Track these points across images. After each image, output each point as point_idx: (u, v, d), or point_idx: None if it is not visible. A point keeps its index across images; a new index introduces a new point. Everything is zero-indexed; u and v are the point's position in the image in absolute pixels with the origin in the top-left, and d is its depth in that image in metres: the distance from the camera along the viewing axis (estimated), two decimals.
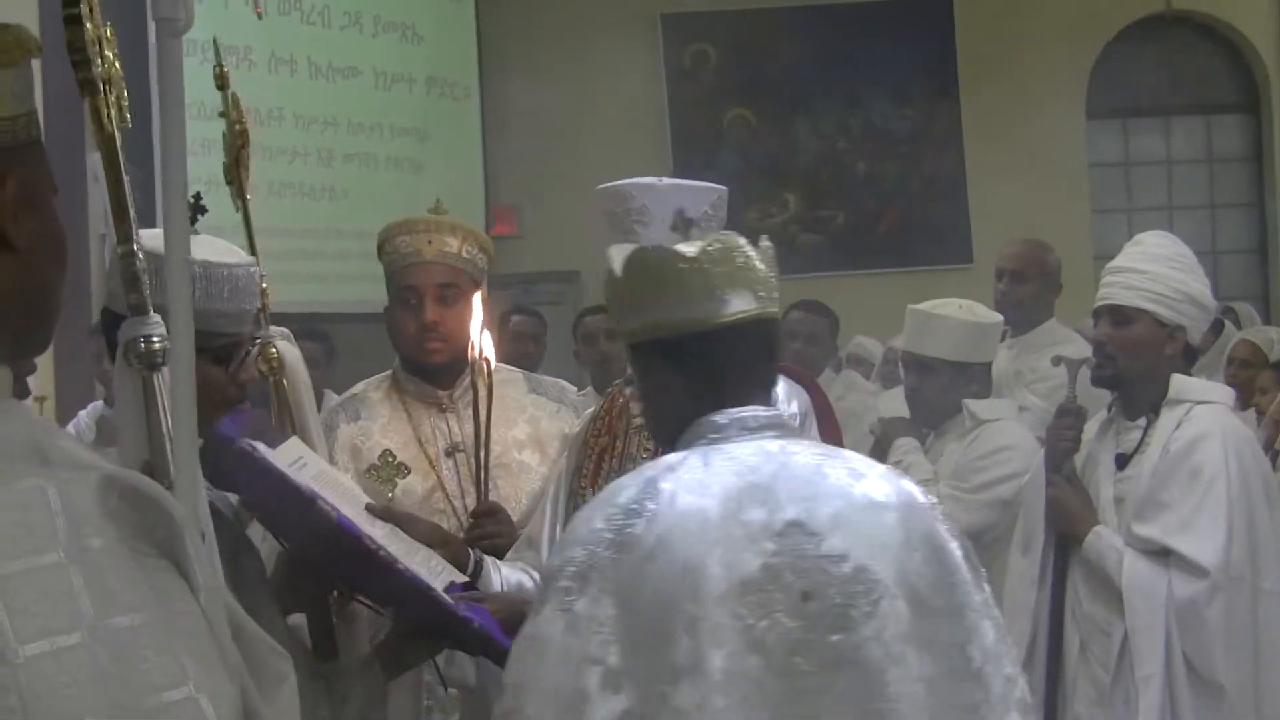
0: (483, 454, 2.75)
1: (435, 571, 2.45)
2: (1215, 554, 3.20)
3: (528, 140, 8.92)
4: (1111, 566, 3.30)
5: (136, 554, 1.18)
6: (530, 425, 3.17)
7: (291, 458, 2.35)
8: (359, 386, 3.30)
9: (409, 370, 3.21)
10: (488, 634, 2.37)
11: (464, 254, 3.14)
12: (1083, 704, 3.35)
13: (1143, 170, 10.02)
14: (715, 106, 9.62)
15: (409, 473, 3.11)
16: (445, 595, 2.38)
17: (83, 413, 5.46)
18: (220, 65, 2.86)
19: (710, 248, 2.06)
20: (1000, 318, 4.49)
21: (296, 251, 7.52)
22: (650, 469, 2.01)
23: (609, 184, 2.79)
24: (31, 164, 1.31)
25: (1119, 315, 3.38)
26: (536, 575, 2.68)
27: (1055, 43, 9.43)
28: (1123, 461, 3.41)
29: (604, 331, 5.35)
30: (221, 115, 2.88)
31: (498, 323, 5.87)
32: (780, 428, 2.07)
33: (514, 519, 2.89)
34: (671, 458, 2.02)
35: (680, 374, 2.08)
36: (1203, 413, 3.33)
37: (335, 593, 2.58)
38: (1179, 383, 3.37)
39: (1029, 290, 5.02)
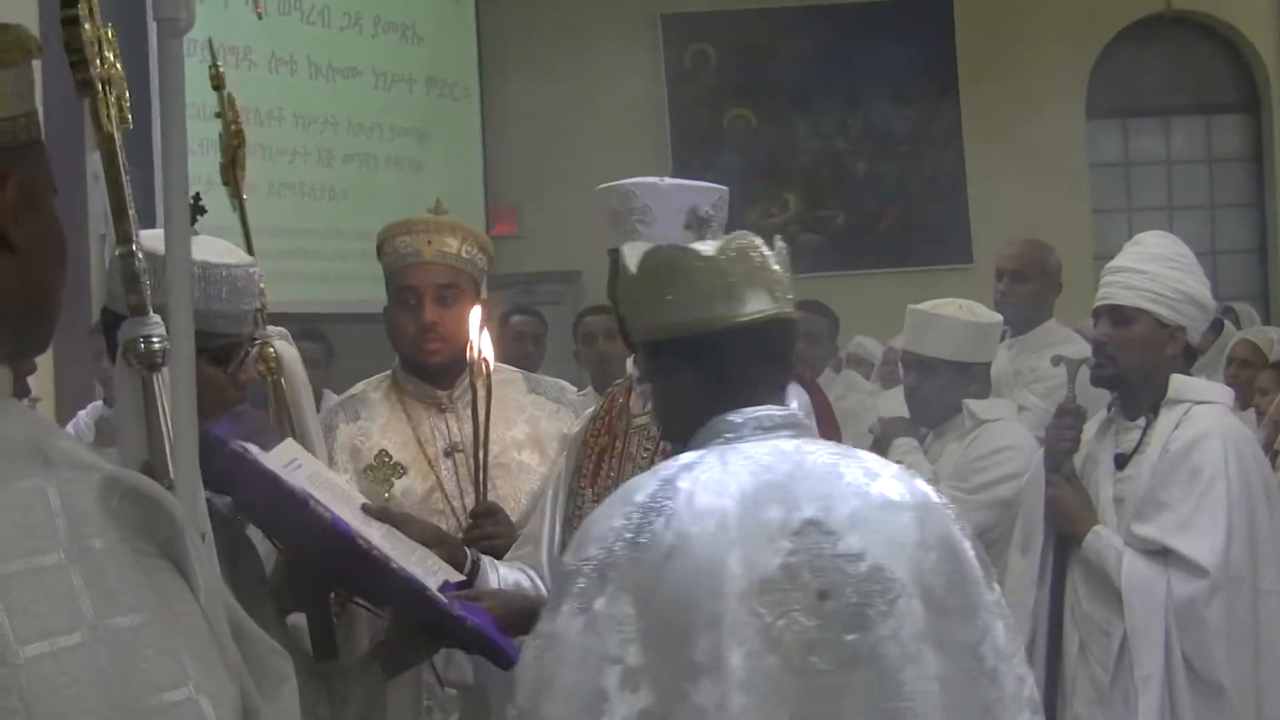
0: (481, 454, 2.75)
1: (432, 571, 2.44)
2: (1214, 554, 3.20)
3: (528, 140, 8.92)
4: (1111, 566, 3.30)
5: (138, 554, 1.18)
6: (529, 425, 3.17)
7: (286, 460, 2.34)
8: (358, 387, 3.30)
9: (408, 370, 3.21)
10: (483, 632, 2.36)
11: (463, 254, 3.14)
12: (1082, 704, 3.35)
13: (1143, 170, 10.02)
14: (715, 106, 9.63)
15: (405, 473, 3.11)
16: (439, 594, 2.37)
17: (82, 413, 5.46)
18: (215, 65, 2.86)
19: (728, 247, 2.06)
20: (1000, 318, 4.49)
21: (296, 251, 7.52)
22: (667, 468, 2.01)
23: (611, 183, 2.78)
24: (32, 164, 1.31)
25: (1119, 315, 3.38)
26: (534, 575, 2.68)
27: (1055, 43, 9.43)
28: (1122, 461, 3.41)
29: (604, 332, 5.35)
30: (218, 116, 2.89)
31: (498, 323, 5.87)
32: (795, 427, 2.07)
33: (513, 519, 2.89)
34: (688, 457, 2.02)
35: (695, 373, 2.08)
36: (1202, 413, 3.33)
37: (334, 593, 2.59)
38: (1178, 383, 3.38)
39: (1029, 290, 5.02)
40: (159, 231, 1.95)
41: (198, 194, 2.38)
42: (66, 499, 1.17)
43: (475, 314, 2.81)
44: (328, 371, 5.95)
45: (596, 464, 2.75)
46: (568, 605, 1.91)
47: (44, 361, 1.42)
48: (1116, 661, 3.28)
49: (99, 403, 5.45)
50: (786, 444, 2.01)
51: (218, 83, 2.86)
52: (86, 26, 1.74)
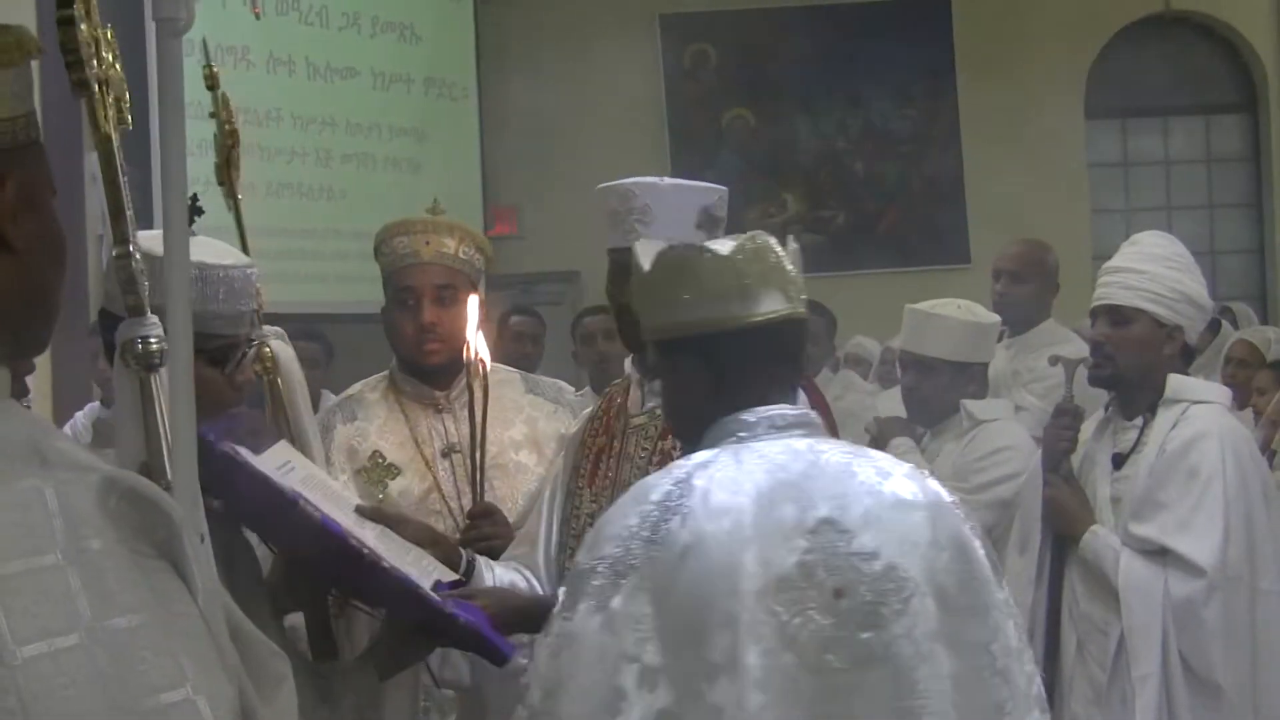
0: (479, 455, 2.75)
1: (426, 572, 2.44)
2: (1212, 553, 3.20)
3: (526, 140, 8.92)
4: (1108, 566, 3.30)
5: (136, 555, 1.19)
6: (527, 426, 3.17)
7: (278, 462, 2.34)
8: (355, 387, 3.29)
9: (406, 371, 3.21)
10: (477, 630, 2.36)
11: (461, 255, 3.14)
12: (1080, 703, 3.35)
13: (1141, 170, 10.03)
14: (714, 106, 9.63)
15: (398, 473, 3.11)
16: (432, 593, 2.37)
17: (79, 414, 5.45)
18: (209, 65, 2.86)
19: (744, 247, 2.06)
20: (998, 318, 4.49)
21: (294, 252, 7.51)
22: (681, 466, 2.01)
23: (611, 183, 2.78)
24: (31, 165, 1.31)
25: (1117, 315, 3.38)
26: (529, 575, 2.68)
27: (1054, 43, 9.44)
28: (1119, 461, 3.41)
29: (602, 332, 5.36)
30: (212, 116, 2.89)
31: (496, 323, 5.87)
32: (808, 426, 2.07)
33: (510, 520, 2.88)
34: (702, 455, 2.02)
35: (709, 372, 2.07)
36: (1200, 412, 3.33)
37: (332, 594, 2.58)
38: (1176, 382, 3.38)
39: (1027, 290, 5.01)
40: (156, 232, 1.94)
41: (195, 195, 2.38)
42: (64, 500, 1.17)
43: (473, 314, 2.81)
44: (327, 372, 5.95)
45: (594, 464, 2.75)
46: (584, 604, 1.90)
47: (42, 362, 1.42)
48: (1114, 661, 3.28)
49: (96, 404, 5.44)
50: (799, 443, 2.02)
51: (212, 82, 2.87)
52: (83, 27, 1.74)
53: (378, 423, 3.17)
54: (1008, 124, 9.18)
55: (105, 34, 1.84)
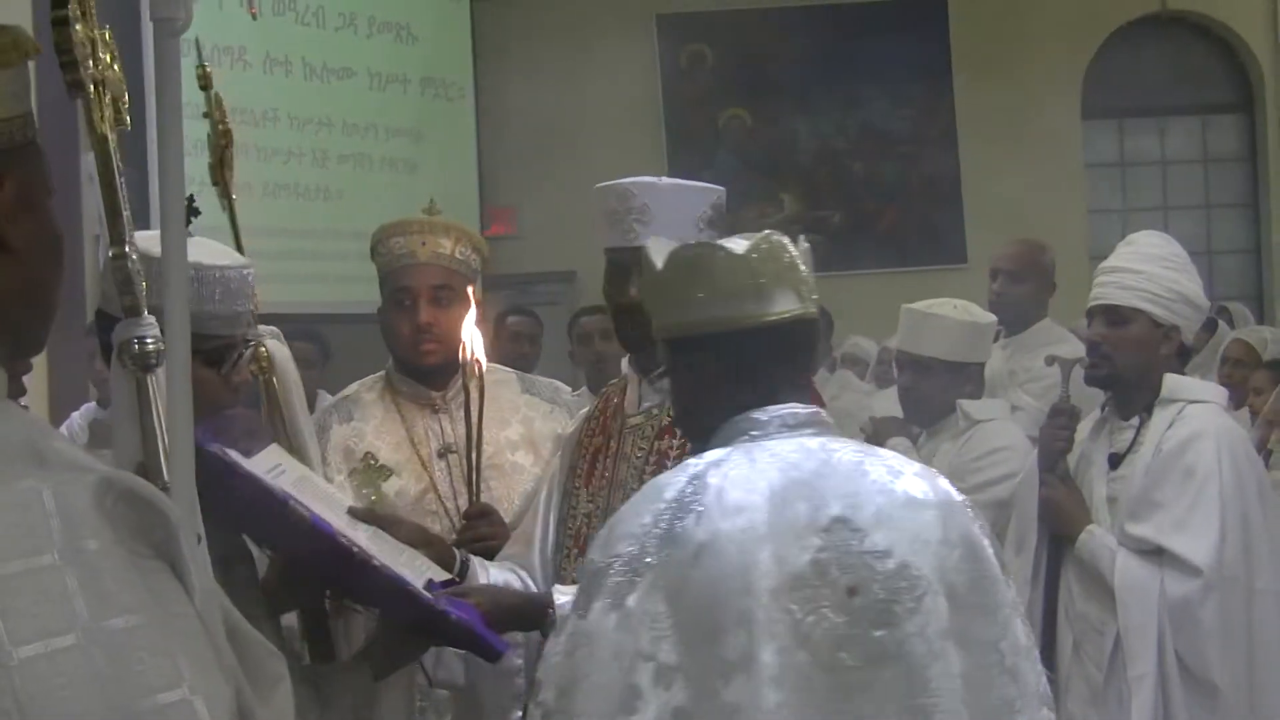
0: (475, 455, 2.75)
1: (419, 571, 2.43)
2: (1208, 553, 3.20)
3: (523, 140, 8.93)
4: (1105, 566, 3.30)
5: (133, 555, 1.19)
6: (523, 426, 3.17)
7: (269, 465, 2.33)
8: (352, 387, 3.29)
9: (402, 371, 3.21)
10: (470, 628, 2.36)
11: (458, 255, 3.14)
12: (1076, 703, 3.35)
13: (1138, 170, 10.04)
14: (711, 106, 9.64)
15: (391, 475, 3.10)
16: (424, 591, 2.36)
17: (76, 414, 5.46)
18: (203, 65, 2.86)
19: (758, 246, 2.06)
20: (994, 318, 4.49)
21: (291, 252, 7.51)
22: (694, 465, 2.01)
23: (609, 182, 2.77)
24: (28, 165, 1.31)
25: (1114, 315, 3.38)
26: (524, 574, 2.68)
27: (1051, 43, 9.44)
28: (1116, 461, 3.41)
29: (599, 332, 5.36)
30: (205, 116, 2.89)
31: (493, 323, 5.87)
32: (819, 425, 2.07)
33: (506, 520, 2.88)
34: (715, 454, 2.02)
35: (719, 371, 2.07)
36: (1196, 412, 3.33)
37: (328, 594, 2.58)
38: (1172, 382, 3.38)
39: (1023, 290, 5.01)
40: (153, 233, 1.94)
41: (191, 195, 2.39)
42: (61, 500, 1.17)
43: (469, 315, 2.81)
44: (323, 372, 5.95)
45: (591, 464, 2.75)
46: (599, 602, 1.90)
47: (38, 362, 1.41)
48: (1110, 661, 3.28)
49: (93, 404, 5.44)
50: (811, 441, 2.02)
51: (205, 82, 2.86)
52: (79, 28, 1.74)
53: (374, 423, 3.17)
54: (1005, 124, 9.19)
55: (103, 34, 1.83)
